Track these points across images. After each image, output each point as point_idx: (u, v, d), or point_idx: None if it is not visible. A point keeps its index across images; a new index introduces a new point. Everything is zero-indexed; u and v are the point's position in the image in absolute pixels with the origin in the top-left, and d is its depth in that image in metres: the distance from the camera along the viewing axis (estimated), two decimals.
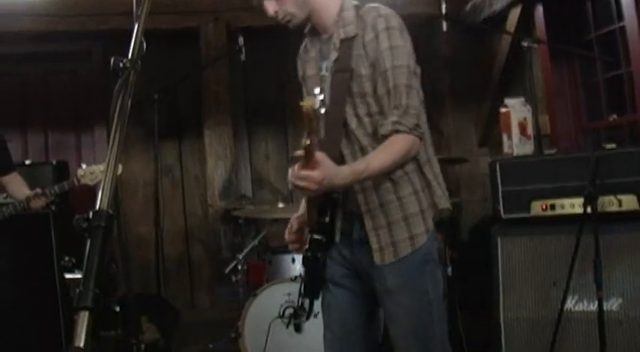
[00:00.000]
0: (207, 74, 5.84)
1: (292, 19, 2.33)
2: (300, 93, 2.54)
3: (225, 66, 5.86)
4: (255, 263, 4.64)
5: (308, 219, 2.38)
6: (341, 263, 2.39)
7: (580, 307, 3.30)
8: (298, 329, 3.91)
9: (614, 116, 4.47)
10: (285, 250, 4.56)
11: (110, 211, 1.09)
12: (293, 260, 4.32)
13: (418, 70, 2.29)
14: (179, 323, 5.19)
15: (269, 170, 6.30)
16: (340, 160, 2.24)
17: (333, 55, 2.30)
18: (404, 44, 2.22)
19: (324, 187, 2.03)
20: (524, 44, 4.23)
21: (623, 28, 4.20)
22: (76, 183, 3.92)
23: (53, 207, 4.14)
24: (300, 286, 2.46)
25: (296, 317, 3.90)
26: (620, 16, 4.22)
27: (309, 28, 2.43)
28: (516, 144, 3.88)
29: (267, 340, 3.93)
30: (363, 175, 2.14)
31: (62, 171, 5.11)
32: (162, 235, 5.18)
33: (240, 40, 4.83)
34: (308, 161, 1.97)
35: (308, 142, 1.90)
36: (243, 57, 4.83)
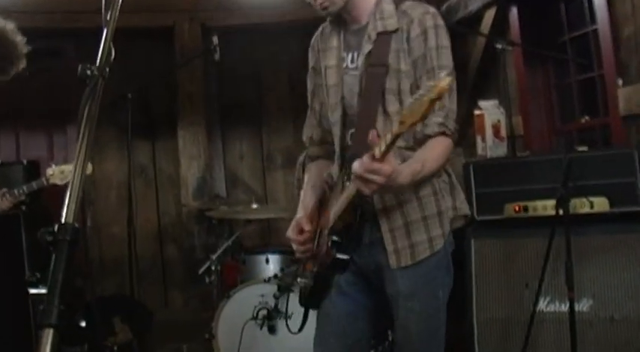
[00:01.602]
0: (181, 73, 5.80)
1: (331, 5, 2.17)
2: (316, 84, 2.39)
3: (199, 65, 5.83)
4: (229, 263, 4.61)
5: (337, 219, 2.12)
6: (348, 268, 2.20)
7: (552, 308, 3.33)
8: (272, 330, 3.90)
9: (587, 118, 4.51)
10: (259, 251, 4.55)
11: (76, 224, 1.07)
12: (267, 260, 4.31)
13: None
14: (152, 324, 5.15)
15: (243, 170, 6.28)
16: None
17: (367, 48, 2.17)
18: (448, 46, 2.14)
19: (388, 185, 1.85)
20: (499, 46, 4.24)
21: (595, 31, 4.24)
22: (46, 182, 3.87)
23: (23, 207, 4.08)
24: (302, 294, 2.32)
25: (270, 319, 3.91)
26: (593, 19, 4.26)
27: (334, 16, 2.28)
28: (490, 146, 3.91)
29: (240, 341, 3.91)
30: (419, 176, 2.00)
31: (33, 171, 5.03)
32: (135, 235, 5.14)
33: (215, 39, 4.79)
34: (385, 153, 1.78)
35: (400, 130, 1.70)
36: (217, 57, 4.79)
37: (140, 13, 5.45)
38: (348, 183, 2.04)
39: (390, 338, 3.62)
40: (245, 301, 4.00)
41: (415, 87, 2.11)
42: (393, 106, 2.13)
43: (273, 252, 4.40)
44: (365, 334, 2.33)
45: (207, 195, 5.81)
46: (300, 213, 2.31)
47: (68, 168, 3.87)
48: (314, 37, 2.40)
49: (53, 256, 1.06)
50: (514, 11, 4.91)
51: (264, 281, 4.02)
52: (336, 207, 2.10)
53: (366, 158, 1.81)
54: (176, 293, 6.05)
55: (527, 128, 4.85)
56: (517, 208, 3.51)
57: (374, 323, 2.32)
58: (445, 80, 1.59)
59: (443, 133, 2.08)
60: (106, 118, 6.05)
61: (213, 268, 4.55)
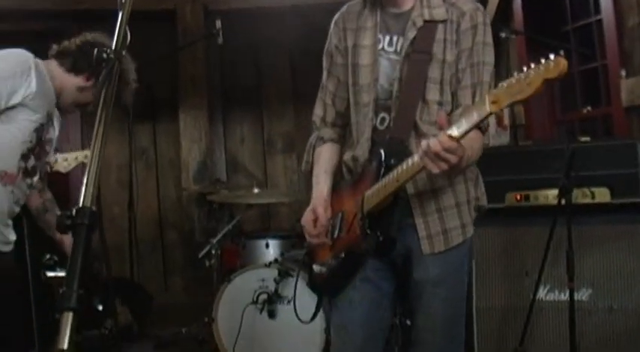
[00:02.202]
0: (183, 56, 5.79)
1: None
2: (334, 64, 2.34)
3: (201, 48, 5.82)
4: (229, 247, 4.62)
5: (378, 202, 2.08)
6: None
7: (551, 297, 3.34)
8: (272, 314, 3.92)
9: (589, 108, 4.51)
10: (259, 235, 4.56)
11: (94, 208, 1.07)
12: (267, 245, 4.33)
13: None
14: (152, 307, 5.17)
15: (244, 154, 6.27)
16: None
17: (411, 33, 2.15)
18: (492, 44, 2.17)
19: (457, 165, 1.84)
20: (502, 35, 4.23)
21: (599, 21, 4.24)
22: (49, 170, 3.86)
23: None
24: (316, 281, 2.28)
25: (270, 303, 3.92)
26: (598, 9, 4.26)
27: None
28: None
29: (240, 325, 3.93)
30: (469, 163, 2.02)
31: None
32: (135, 218, 5.16)
33: (218, 23, 4.78)
34: (465, 134, 1.78)
35: (493, 110, 1.69)
36: (220, 40, 4.78)
37: None
38: (384, 166, 2.04)
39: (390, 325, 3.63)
40: (245, 285, 4.01)
41: (455, 79, 2.13)
42: (433, 95, 2.12)
43: (274, 237, 4.42)
44: (386, 322, 2.32)
45: (208, 178, 5.81)
46: (315, 198, 2.29)
47: (72, 156, 3.86)
48: (339, 14, 2.35)
49: (72, 240, 1.06)
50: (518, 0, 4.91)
51: (265, 265, 4.03)
52: (380, 189, 2.05)
53: (443, 136, 1.79)
54: (176, 277, 6.06)
55: (529, 117, 4.86)
56: (518, 197, 3.51)
57: (394, 310, 2.33)
58: (564, 60, 1.56)
59: (479, 128, 2.07)
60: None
61: (213, 252, 4.55)
